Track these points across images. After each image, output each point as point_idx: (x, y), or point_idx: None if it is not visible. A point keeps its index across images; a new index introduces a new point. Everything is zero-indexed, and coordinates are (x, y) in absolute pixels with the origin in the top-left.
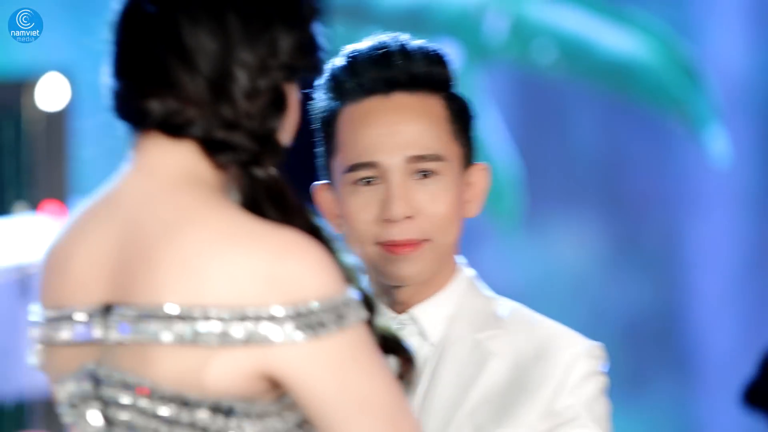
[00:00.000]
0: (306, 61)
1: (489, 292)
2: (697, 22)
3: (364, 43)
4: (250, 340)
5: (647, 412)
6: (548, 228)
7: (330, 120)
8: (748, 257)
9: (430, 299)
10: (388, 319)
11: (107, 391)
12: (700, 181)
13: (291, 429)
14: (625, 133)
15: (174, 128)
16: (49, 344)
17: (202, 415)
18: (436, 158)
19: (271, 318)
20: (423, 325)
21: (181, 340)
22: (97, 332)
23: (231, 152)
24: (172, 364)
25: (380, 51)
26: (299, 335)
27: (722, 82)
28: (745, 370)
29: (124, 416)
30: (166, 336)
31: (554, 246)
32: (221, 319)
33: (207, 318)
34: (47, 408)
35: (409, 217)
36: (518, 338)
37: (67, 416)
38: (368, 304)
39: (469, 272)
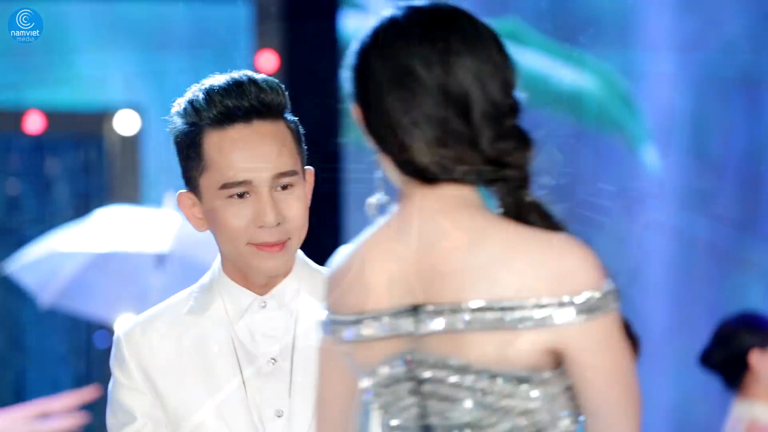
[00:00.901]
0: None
1: (316, 266)
2: (634, 63)
3: (218, 78)
4: (544, 323)
5: None
6: None
7: (193, 143)
8: (679, 249)
9: (283, 281)
10: (253, 298)
11: (420, 371)
12: (638, 186)
13: (561, 393)
14: (578, 149)
15: (455, 180)
16: (358, 341)
17: (505, 385)
18: (293, 173)
19: (560, 305)
20: (283, 300)
21: (489, 327)
22: (406, 327)
23: (503, 184)
24: (482, 346)
25: (234, 83)
26: (580, 318)
27: (654, 109)
28: (678, 344)
29: (437, 390)
30: (477, 325)
31: None
32: (521, 308)
33: (509, 308)
34: None
35: (278, 224)
36: None
37: (381, 395)
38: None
39: (300, 254)
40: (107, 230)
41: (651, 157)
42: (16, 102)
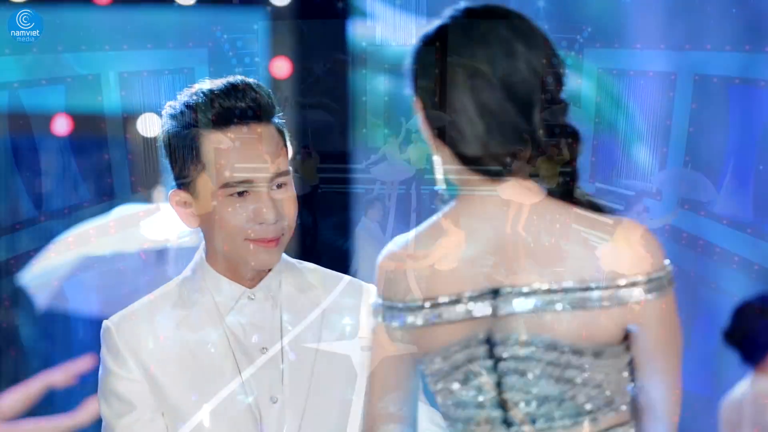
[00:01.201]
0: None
1: (292, 259)
2: (625, 67)
3: (212, 82)
4: (622, 301)
5: None
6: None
7: (190, 144)
8: (676, 249)
9: (269, 274)
10: (243, 291)
11: (501, 350)
12: (631, 180)
13: (625, 366)
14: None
15: (518, 176)
16: (431, 325)
17: (584, 359)
18: (287, 173)
19: (633, 284)
20: (269, 292)
21: (569, 307)
22: (484, 309)
23: (561, 178)
24: (563, 325)
25: (231, 86)
26: (652, 295)
27: (643, 110)
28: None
29: (517, 367)
30: (559, 306)
31: None
32: (599, 288)
33: (589, 288)
34: None
35: (276, 221)
36: (325, 291)
37: (455, 375)
38: None
39: None
40: (114, 228)
41: (640, 153)
42: (44, 106)
